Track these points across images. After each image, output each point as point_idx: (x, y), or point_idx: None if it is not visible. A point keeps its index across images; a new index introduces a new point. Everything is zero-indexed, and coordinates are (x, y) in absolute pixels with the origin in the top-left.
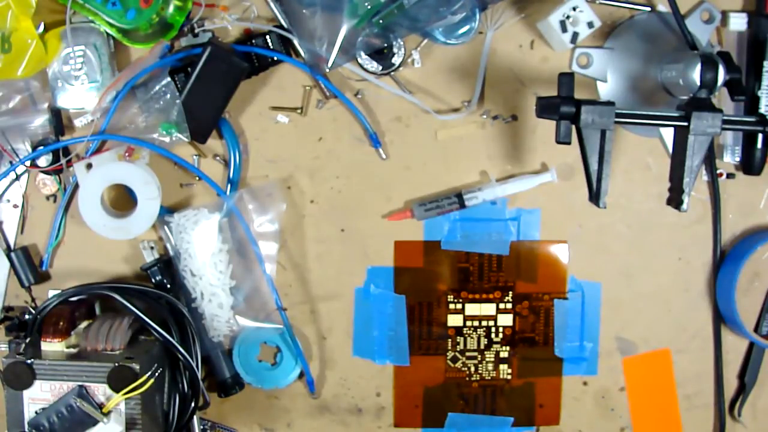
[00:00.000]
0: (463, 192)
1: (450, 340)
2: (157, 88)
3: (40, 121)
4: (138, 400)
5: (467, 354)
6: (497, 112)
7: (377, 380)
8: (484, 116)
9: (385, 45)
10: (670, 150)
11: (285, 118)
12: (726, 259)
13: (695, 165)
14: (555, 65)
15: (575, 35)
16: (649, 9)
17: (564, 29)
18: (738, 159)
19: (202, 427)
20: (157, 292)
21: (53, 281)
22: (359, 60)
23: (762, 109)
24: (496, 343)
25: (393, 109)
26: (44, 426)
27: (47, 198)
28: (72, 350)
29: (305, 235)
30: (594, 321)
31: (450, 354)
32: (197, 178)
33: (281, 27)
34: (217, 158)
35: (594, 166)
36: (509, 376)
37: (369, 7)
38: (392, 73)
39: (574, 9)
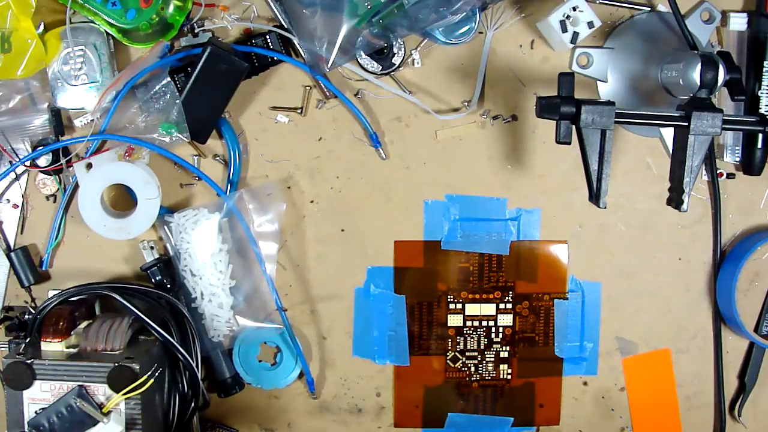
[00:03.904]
0: None
1: (450, 340)
2: (157, 88)
3: (40, 121)
4: (138, 400)
5: (467, 354)
6: (497, 112)
7: (377, 380)
8: (484, 116)
9: (385, 45)
10: (670, 150)
11: (285, 118)
12: (726, 259)
13: (695, 165)
14: (555, 65)
15: (575, 35)
16: (649, 9)
17: (564, 29)
18: (738, 159)
19: (202, 427)
20: (157, 292)
21: (53, 281)
22: (359, 60)
23: (762, 109)
24: (496, 343)
25: (393, 109)
26: (44, 426)
27: (47, 198)
28: (72, 350)
29: (305, 235)
30: (594, 321)
31: (450, 354)
32: (197, 178)
33: (281, 27)
34: (217, 158)
35: (594, 166)
36: (509, 376)
37: (369, 7)
38: (392, 73)
39: (574, 9)
